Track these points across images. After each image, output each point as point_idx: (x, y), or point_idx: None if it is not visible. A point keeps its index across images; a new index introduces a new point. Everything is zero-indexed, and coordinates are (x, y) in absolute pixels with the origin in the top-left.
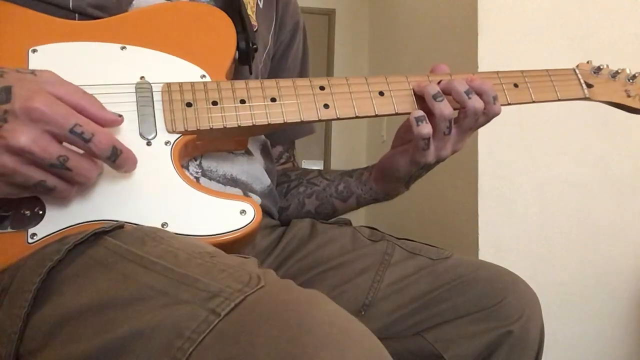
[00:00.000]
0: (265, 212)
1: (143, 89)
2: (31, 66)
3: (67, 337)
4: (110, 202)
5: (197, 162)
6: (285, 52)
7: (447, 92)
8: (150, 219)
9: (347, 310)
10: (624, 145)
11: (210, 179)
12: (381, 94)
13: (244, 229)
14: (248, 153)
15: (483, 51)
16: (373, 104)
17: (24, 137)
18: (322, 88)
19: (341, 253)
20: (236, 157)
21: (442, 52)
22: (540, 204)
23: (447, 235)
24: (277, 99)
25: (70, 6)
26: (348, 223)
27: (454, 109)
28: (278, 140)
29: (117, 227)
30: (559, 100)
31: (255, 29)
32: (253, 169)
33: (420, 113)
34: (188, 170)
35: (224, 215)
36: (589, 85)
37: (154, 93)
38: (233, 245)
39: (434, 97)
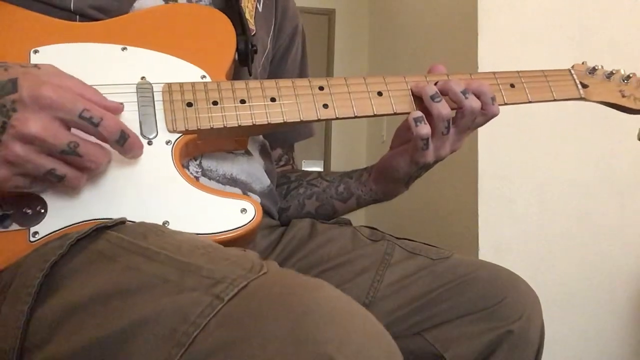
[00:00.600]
0: (265, 212)
1: (144, 89)
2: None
3: (73, 329)
4: (111, 200)
5: (197, 161)
6: (284, 55)
7: (444, 93)
8: (151, 217)
9: None
10: (624, 145)
11: (210, 178)
12: (379, 94)
13: (245, 227)
14: (248, 153)
15: (483, 51)
16: (372, 104)
17: (34, 124)
18: (321, 88)
19: (341, 253)
20: (236, 157)
21: (442, 52)
22: (540, 204)
23: (447, 235)
24: (277, 99)
25: (72, 8)
26: (348, 223)
27: (452, 109)
28: (277, 143)
29: (119, 223)
30: (554, 100)
31: (253, 33)
32: (253, 169)
33: (419, 114)
34: (188, 169)
35: (225, 213)
36: (584, 86)
37: (154, 93)
38: (234, 243)
39: (432, 97)
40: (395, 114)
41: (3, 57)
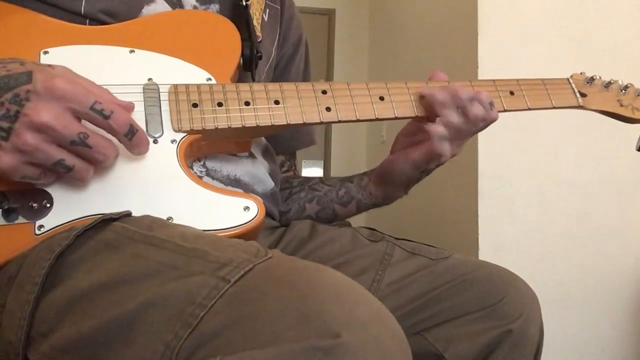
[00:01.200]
0: (267, 213)
1: (150, 89)
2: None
3: (79, 316)
4: (116, 195)
5: (201, 162)
6: (288, 64)
7: (451, 100)
8: (156, 213)
9: None
10: (624, 145)
11: (213, 178)
12: (381, 98)
13: (248, 225)
14: (251, 156)
15: (483, 51)
16: (374, 108)
17: (46, 113)
18: (324, 92)
19: (341, 253)
20: (240, 159)
21: (442, 53)
22: (540, 204)
23: (447, 235)
24: (281, 101)
25: (82, 12)
26: (347, 224)
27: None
28: (280, 150)
29: (125, 215)
30: (553, 107)
31: (259, 40)
32: (256, 171)
33: (444, 132)
34: (192, 169)
35: (228, 211)
36: (583, 95)
37: (161, 94)
38: None
39: (443, 105)
40: (396, 118)
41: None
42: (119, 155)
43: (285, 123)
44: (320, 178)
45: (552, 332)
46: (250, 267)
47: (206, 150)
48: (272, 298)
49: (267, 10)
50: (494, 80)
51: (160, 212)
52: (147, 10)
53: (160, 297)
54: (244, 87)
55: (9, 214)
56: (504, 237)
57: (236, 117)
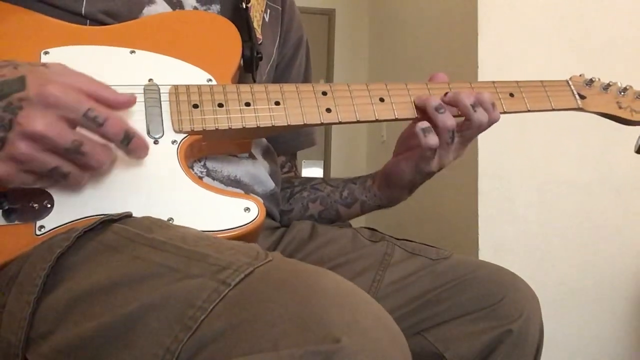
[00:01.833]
0: (267, 213)
1: (151, 90)
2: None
3: (79, 317)
4: (117, 197)
5: (202, 162)
6: (289, 65)
7: (453, 105)
8: (156, 214)
9: None
10: (624, 145)
11: (213, 178)
12: (381, 100)
13: (248, 226)
14: (252, 157)
15: (483, 51)
16: (374, 109)
17: (39, 122)
18: (324, 93)
19: (341, 253)
20: (240, 160)
21: (442, 53)
22: (540, 204)
23: (447, 235)
24: (281, 102)
25: (83, 12)
26: (348, 224)
27: (454, 116)
28: (281, 150)
29: (125, 216)
30: (553, 110)
31: (260, 42)
32: (257, 172)
33: (427, 124)
34: (193, 170)
35: (229, 211)
36: (582, 97)
37: (161, 94)
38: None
39: (437, 109)
40: (396, 119)
41: (14, 58)
42: (116, 159)
43: (286, 124)
44: (322, 178)
45: (552, 332)
46: (250, 270)
47: (207, 151)
48: (272, 302)
49: (268, 10)
50: (493, 82)
51: (160, 213)
52: (148, 10)
53: (160, 300)
54: (244, 87)
55: (9, 215)
56: (504, 237)
57: (237, 118)
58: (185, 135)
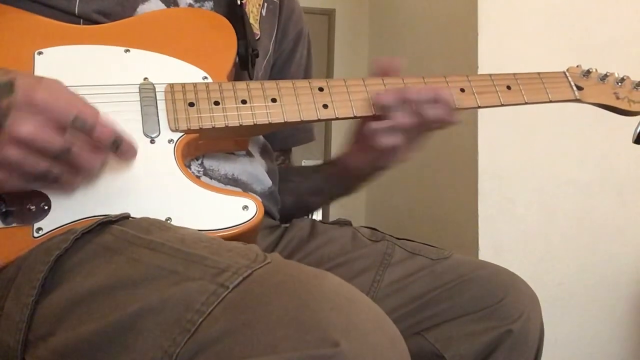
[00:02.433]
0: (266, 212)
1: (146, 89)
2: (37, 68)
3: (77, 320)
4: (114, 197)
5: (199, 161)
6: (288, 60)
7: (405, 101)
8: (154, 214)
9: None
10: (624, 145)
11: (211, 177)
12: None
13: (247, 224)
14: (249, 154)
15: (483, 51)
16: (371, 105)
17: (28, 127)
18: (320, 89)
19: (341, 253)
20: (238, 158)
21: (442, 52)
22: (540, 204)
23: (447, 235)
24: (278, 99)
25: (76, 12)
26: (348, 223)
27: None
28: (277, 146)
29: (123, 218)
30: (550, 101)
31: (257, 37)
32: (254, 170)
33: (383, 123)
34: (190, 169)
35: (227, 210)
36: (579, 88)
37: (157, 93)
38: (235, 240)
39: (392, 108)
40: None
41: (8, 58)
42: (109, 161)
43: (283, 121)
44: (297, 168)
45: (552, 332)
46: (248, 272)
47: (204, 149)
48: (271, 305)
49: (266, 4)
50: (490, 75)
51: (158, 213)
52: (142, 9)
53: (159, 303)
54: (240, 85)
55: (6, 217)
56: (504, 237)
57: (233, 115)
58: (182, 134)
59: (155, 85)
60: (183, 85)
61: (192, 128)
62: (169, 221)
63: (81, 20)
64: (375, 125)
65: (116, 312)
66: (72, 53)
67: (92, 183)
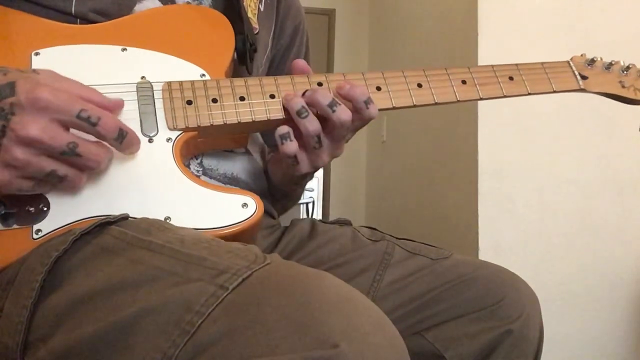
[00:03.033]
0: (265, 211)
1: (144, 88)
2: (34, 68)
3: (77, 321)
4: (113, 197)
5: (198, 160)
6: (285, 55)
7: (311, 105)
8: (153, 213)
9: None
10: (624, 145)
11: (210, 177)
12: (378, 89)
13: (247, 222)
14: (248, 153)
15: (483, 51)
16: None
17: (33, 127)
18: (319, 84)
19: (341, 253)
20: (237, 157)
21: (442, 52)
22: (540, 204)
23: (447, 235)
24: (276, 95)
25: (73, 11)
26: (348, 223)
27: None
28: (273, 141)
29: (122, 218)
30: (554, 92)
31: (256, 32)
32: (253, 169)
33: (285, 130)
34: (189, 168)
35: (226, 208)
36: (584, 77)
37: (154, 92)
38: (236, 238)
39: (298, 113)
40: (394, 108)
41: (4, 59)
42: (112, 158)
43: (282, 117)
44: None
45: (552, 332)
46: (248, 274)
47: (203, 147)
48: (270, 306)
49: (263, 0)
50: (492, 66)
51: (157, 212)
52: (139, 7)
53: (158, 304)
54: (238, 82)
55: (5, 219)
56: (504, 237)
57: (231, 113)
58: (180, 132)
59: (152, 83)
60: (181, 83)
61: (190, 126)
62: (168, 220)
63: (78, 20)
64: (279, 131)
65: (115, 314)
66: (69, 53)
67: (91, 183)
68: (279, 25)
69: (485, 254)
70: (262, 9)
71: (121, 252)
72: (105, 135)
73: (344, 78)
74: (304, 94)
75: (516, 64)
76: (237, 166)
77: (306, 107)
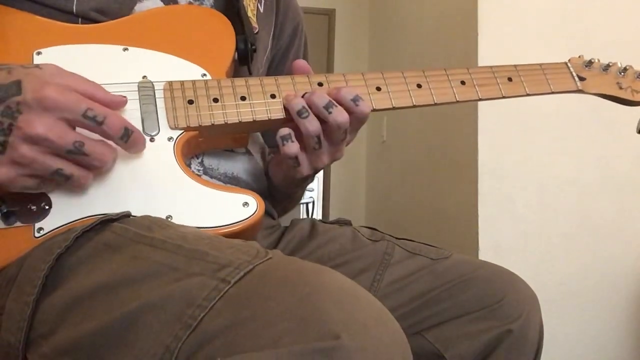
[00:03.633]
0: (265, 212)
1: (145, 87)
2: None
3: (79, 317)
4: (115, 196)
5: (199, 160)
6: (285, 56)
7: (309, 107)
8: (155, 212)
9: None
10: (624, 145)
11: (211, 176)
12: (378, 89)
13: (247, 221)
14: (249, 153)
15: (483, 51)
16: (370, 99)
17: (40, 125)
18: (320, 84)
19: (341, 253)
20: (238, 156)
21: (442, 52)
22: (540, 204)
23: (447, 235)
24: (277, 95)
25: (74, 11)
26: (348, 223)
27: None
28: (273, 142)
29: (124, 216)
30: (552, 93)
31: (256, 32)
32: (254, 169)
33: (286, 131)
34: (190, 167)
35: (227, 207)
36: (582, 78)
37: (156, 91)
38: (236, 237)
39: (299, 113)
40: (394, 108)
41: (6, 59)
42: (117, 157)
43: (283, 117)
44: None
45: (552, 331)
46: (250, 268)
47: (204, 147)
48: (272, 300)
49: (262, 0)
50: (491, 67)
51: (159, 211)
52: (140, 7)
53: (160, 299)
54: (239, 81)
55: (7, 217)
56: (504, 237)
57: (232, 112)
58: (181, 131)
59: (154, 83)
60: (182, 82)
61: (191, 125)
62: (169, 219)
63: (79, 19)
64: (281, 132)
65: (118, 310)
66: (70, 52)
67: (93, 182)
68: (278, 26)
69: (485, 254)
70: (261, 10)
71: (123, 248)
72: (111, 134)
73: (344, 78)
74: (303, 95)
75: (515, 65)
76: (237, 166)
77: (307, 107)
